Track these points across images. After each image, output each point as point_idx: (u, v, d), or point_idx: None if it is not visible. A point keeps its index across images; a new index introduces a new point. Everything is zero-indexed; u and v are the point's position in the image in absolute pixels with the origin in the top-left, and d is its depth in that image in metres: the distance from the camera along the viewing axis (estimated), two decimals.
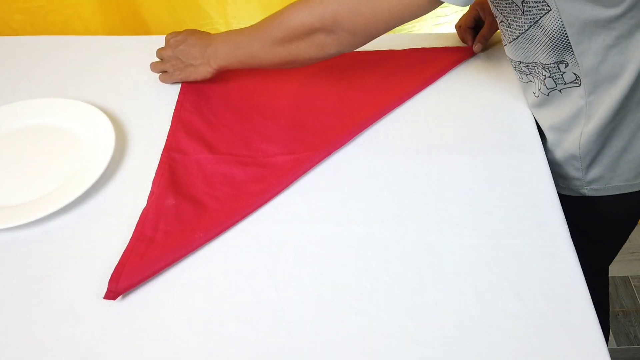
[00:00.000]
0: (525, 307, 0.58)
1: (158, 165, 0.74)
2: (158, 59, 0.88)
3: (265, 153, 0.76)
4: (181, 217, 0.67)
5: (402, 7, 0.63)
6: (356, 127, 0.78)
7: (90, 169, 0.73)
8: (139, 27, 1.10)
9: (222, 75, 0.86)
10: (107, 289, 0.60)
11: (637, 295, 1.47)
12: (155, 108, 0.85)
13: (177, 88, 0.88)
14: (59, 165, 0.76)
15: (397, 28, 1.08)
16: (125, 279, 0.61)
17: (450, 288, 0.60)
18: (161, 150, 0.77)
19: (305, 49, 0.71)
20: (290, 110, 0.82)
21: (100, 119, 0.80)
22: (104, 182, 0.73)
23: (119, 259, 0.64)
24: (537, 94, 0.75)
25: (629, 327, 1.40)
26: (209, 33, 0.83)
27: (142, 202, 0.70)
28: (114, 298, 0.60)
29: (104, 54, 0.96)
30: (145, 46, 0.97)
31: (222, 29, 1.10)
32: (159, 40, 1.00)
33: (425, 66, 0.87)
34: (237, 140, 0.78)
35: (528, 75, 0.74)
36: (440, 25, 1.09)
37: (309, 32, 0.69)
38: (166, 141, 0.78)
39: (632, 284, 1.50)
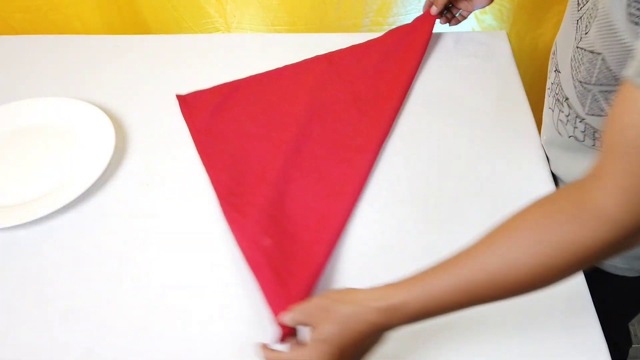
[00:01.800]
0: (525, 307, 0.58)
1: (226, 217, 0.67)
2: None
3: (314, 168, 0.74)
4: (284, 250, 0.64)
5: None
6: (382, 127, 0.78)
7: (90, 168, 0.73)
8: (138, 26, 1.09)
9: (228, 109, 0.82)
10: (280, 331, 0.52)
11: None
12: (155, 107, 0.85)
13: (176, 87, 0.88)
14: (59, 165, 0.76)
15: (394, 22, 1.08)
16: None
17: None
18: (161, 149, 0.77)
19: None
20: (313, 123, 0.79)
21: (100, 118, 0.80)
22: (104, 182, 0.73)
23: (118, 258, 0.64)
24: None
25: (629, 326, 1.40)
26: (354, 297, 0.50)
27: (141, 202, 0.71)
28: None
29: (104, 53, 0.96)
30: (145, 45, 0.98)
31: (222, 29, 1.10)
32: (159, 40, 1.00)
33: (412, 38, 0.88)
34: (278, 169, 0.73)
35: None
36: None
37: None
38: (215, 189, 0.71)
39: None
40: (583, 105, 0.60)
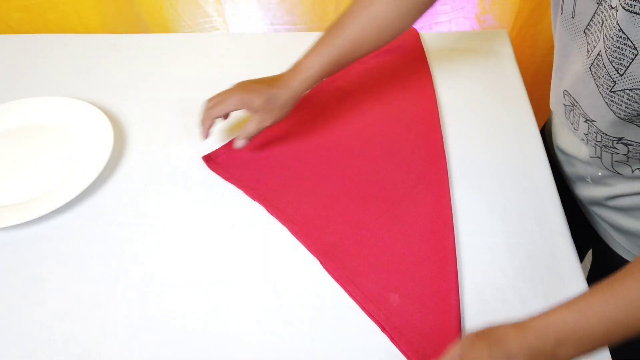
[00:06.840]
0: (525, 307, 0.58)
1: (339, 279, 0.62)
2: None
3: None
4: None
5: None
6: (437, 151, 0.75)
7: (88, 168, 0.73)
8: (137, 25, 1.09)
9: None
10: None
11: None
12: (153, 106, 0.84)
13: (175, 87, 0.87)
14: (57, 164, 0.75)
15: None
16: None
17: None
18: (159, 149, 0.77)
19: None
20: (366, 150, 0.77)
21: (98, 118, 0.80)
22: (102, 181, 0.73)
23: (117, 258, 0.64)
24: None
25: None
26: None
27: (140, 202, 0.70)
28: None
29: (102, 51, 0.96)
30: (144, 44, 0.97)
31: (221, 28, 1.09)
32: (157, 39, 1.00)
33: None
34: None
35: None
36: (441, 22, 1.09)
37: None
38: (308, 247, 0.66)
39: None
40: None
